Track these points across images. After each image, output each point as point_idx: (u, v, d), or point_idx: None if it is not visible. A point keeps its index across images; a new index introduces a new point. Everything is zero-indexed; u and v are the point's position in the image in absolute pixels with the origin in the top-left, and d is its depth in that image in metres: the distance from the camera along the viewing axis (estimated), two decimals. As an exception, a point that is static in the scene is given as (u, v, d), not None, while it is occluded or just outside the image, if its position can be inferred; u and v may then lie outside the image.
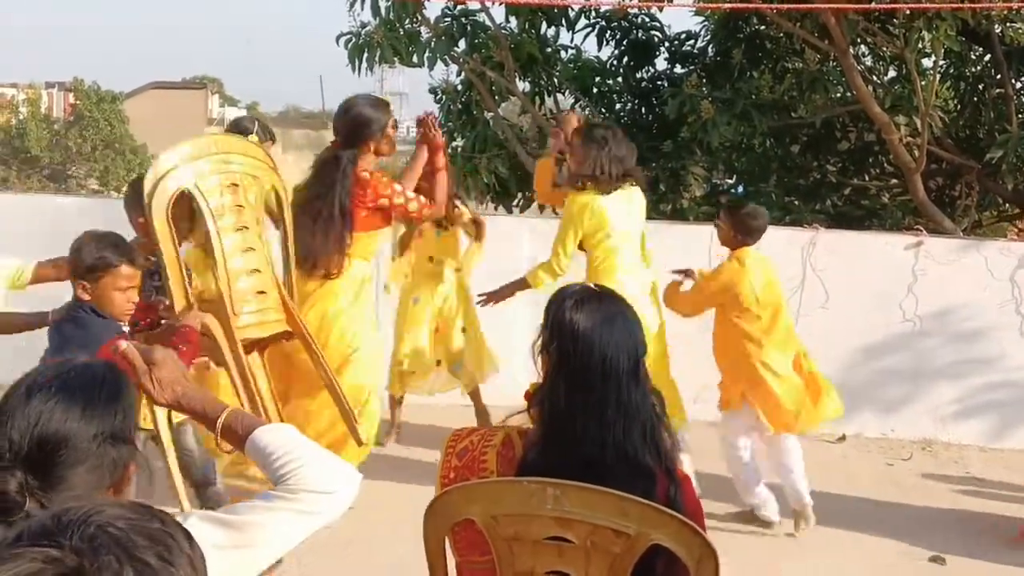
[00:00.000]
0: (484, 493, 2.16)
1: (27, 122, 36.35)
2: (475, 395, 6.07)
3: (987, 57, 9.95)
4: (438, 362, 5.93)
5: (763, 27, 9.71)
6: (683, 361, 5.39)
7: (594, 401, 2.17)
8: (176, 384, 2.02)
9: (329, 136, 5.12)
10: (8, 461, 1.65)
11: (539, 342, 2.28)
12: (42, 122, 37.11)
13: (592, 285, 2.40)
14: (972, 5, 7.46)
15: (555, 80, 9.75)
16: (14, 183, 32.37)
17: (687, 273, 5.35)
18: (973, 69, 10.39)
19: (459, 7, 9.03)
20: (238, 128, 5.23)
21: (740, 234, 5.08)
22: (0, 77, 43.76)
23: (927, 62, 8.88)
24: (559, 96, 10.06)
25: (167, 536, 1.15)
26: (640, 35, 9.95)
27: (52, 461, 1.68)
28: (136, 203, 4.06)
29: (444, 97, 9.94)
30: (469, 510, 2.15)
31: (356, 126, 4.79)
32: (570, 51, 9.90)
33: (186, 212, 3.70)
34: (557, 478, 2.09)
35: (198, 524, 1.79)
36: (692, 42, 10.18)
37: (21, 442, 1.67)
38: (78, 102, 37.15)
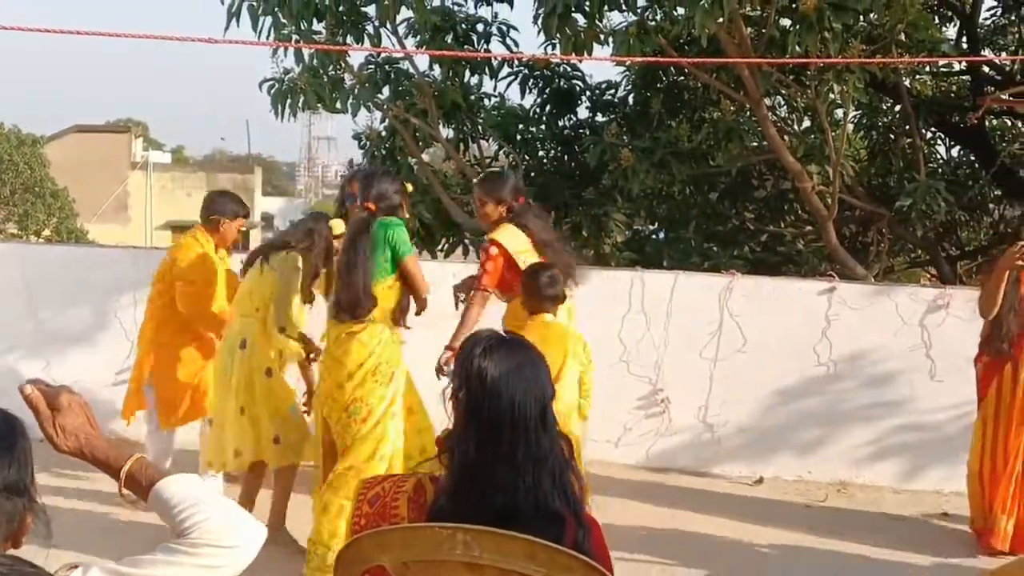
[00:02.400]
0: (395, 539, 2.17)
1: (-57, 165, 35.49)
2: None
3: (896, 108, 10.29)
4: None
5: (681, 78, 9.94)
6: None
7: (504, 449, 2.20)
8: (79, 431, 1.97)
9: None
10: None
11: (450, 388, 2.31)
12: (-41, 165, 36.26)
13: (503, 331, 2.44)
14: (880, 60, 7.74)
15: (479, 127, 9.84)
16: (-72, 227, 31.51)
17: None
18: (883, 119, 10.75)
19: (383, 55, 9.10)
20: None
21: (536, 300, 4.84)
22: (-86, 119, 42.61)
23: (839, 112, 9.16)
24: (483, 143, 10.16)
25: (46, 574, 1.17)
26: (562, 84, 10.11)
27: None
28: None
29: (368, 143, 9.97)
30: (380, 557, 2.15)
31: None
32: (494, 99, 10.01)
33: None
34: (469, 524, 2.11)
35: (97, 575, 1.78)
36: (613, 91, 10.37)
37: None
38: (-3, 145, 36.38)
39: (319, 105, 8.84)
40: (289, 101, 8.65)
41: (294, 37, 8.37)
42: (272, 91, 8.70)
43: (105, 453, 1.98)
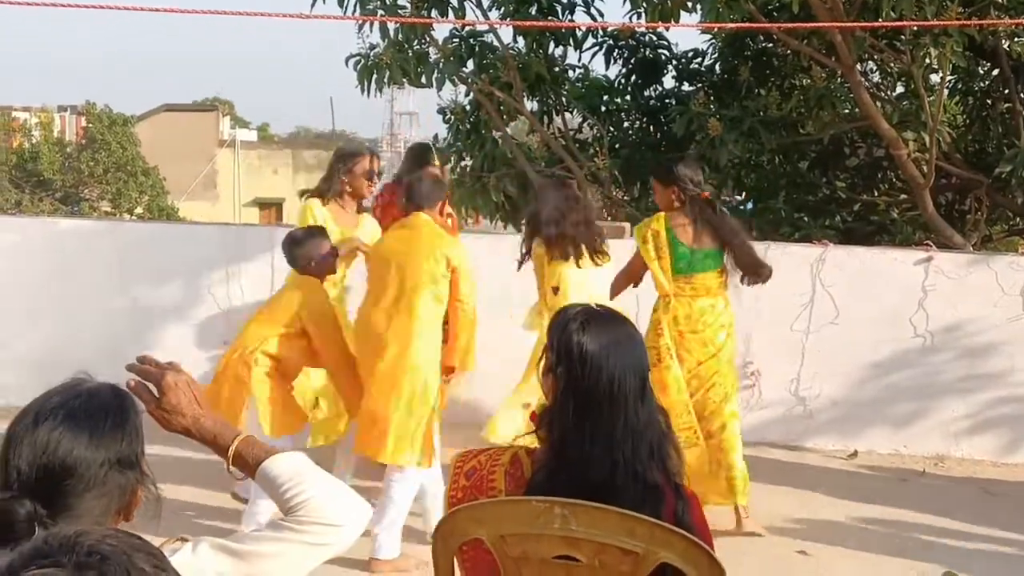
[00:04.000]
0: (492, 513, 2.17)
1: (40, 145, 36.57)
2: None
3: (995, 72, 9.95)
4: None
5: (770, 45, 9.73)
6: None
7: (603, 423, 2.18)
8: (187, 410, 1.99)
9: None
10: (16, 490, 1.67)
11: (543, 364, 2.29)
12: (54, 145, 37.34)
13: (594, 305, 2.40)
14: (978, 22, 7.47)
15: (563, 99, 9.79)
16: (27, 206, 32.54)
17: None
18: (981, 84, 10.39)
19: (467, 28, 9.08)
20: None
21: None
22: (13, 101, 44.02)
23: (935, 78, 8.89)
24: (567, 115, 10.10)
25: (152, 549, 1.19)
26: (648, 53, 9.98)
27: (59, 489, 1.69)
28: None
29: (453, 117, 9.97)
30: (477, 530, 2.16)
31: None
32: (578, 70, 9.95)
33: None
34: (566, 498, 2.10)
35: (206, 551, 1.80)
36: (699, 60, 10.20)
37: (29, 471, 1.69)
38: (90, 125, 37.34)
39: (404, 79, 8.87)
40: (375, 76, 8.70)
41: (379, 12, 8.40)
42: (358, 67, 8.75)
43: (212, 432, 2.00)
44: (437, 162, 5.59)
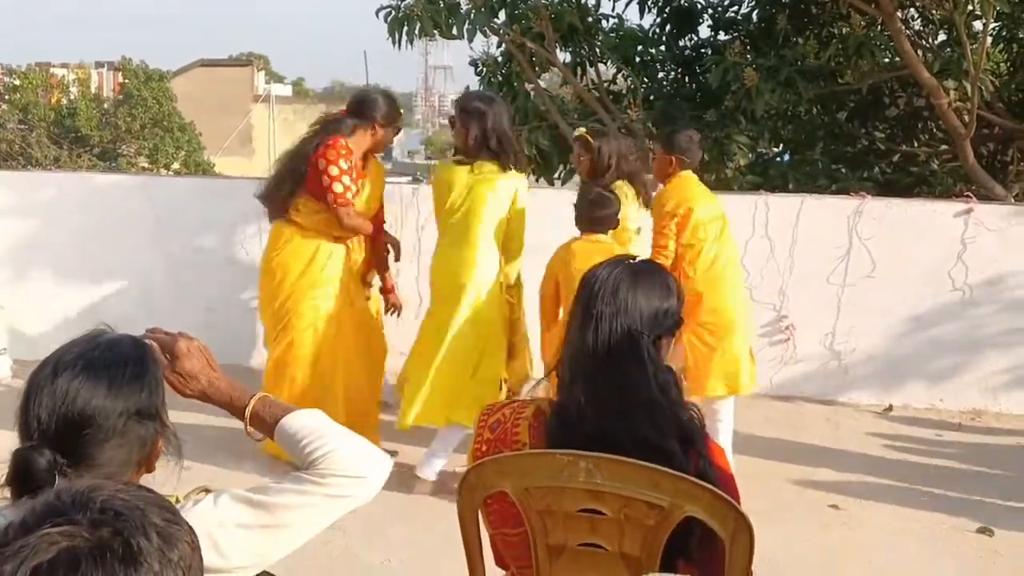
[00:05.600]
0: (516, 465, 2.16)
1: (77, 102, 36.80)
2: None
3: (1040, 18, 9.70)
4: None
5: (808, -8, 9.54)
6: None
7: (592, 378, 2.17)
8: (200, 374, 2.01)
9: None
10: (36, 440, 1.68)
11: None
12: (92, 102, 37.54)
13: (631, 259, 2.35)
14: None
15: (596, 50, 9.65)
16: (65, 162, 32.83)
17: None
18: (1026, 31, 10.14)
19: (498, -22, 8.96)
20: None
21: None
22: (51, 57, 44.31)
23: (977, 25, 8.67)
24: (601, 66, 9.97)
25: (165, 502, 1.19)
26: (683, 2, 9.81)
27: (79, 439, 1.70)
28: None
29: (485, 69, 9.88)
30: (502, 483, 2.15)
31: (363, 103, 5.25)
32: (611, 20, 9.79)
33: None
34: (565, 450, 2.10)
35: (228, 503, 1.81)
36: (735, 8, 10.01)
37: (48, 421, 1.69)
38: (126, 81, 37.50)
39: (435, 31, 8.78)
40: (406, 28, 8.62)
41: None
42: (388, 19, 8.68)
43: (228, 394, 2.02)
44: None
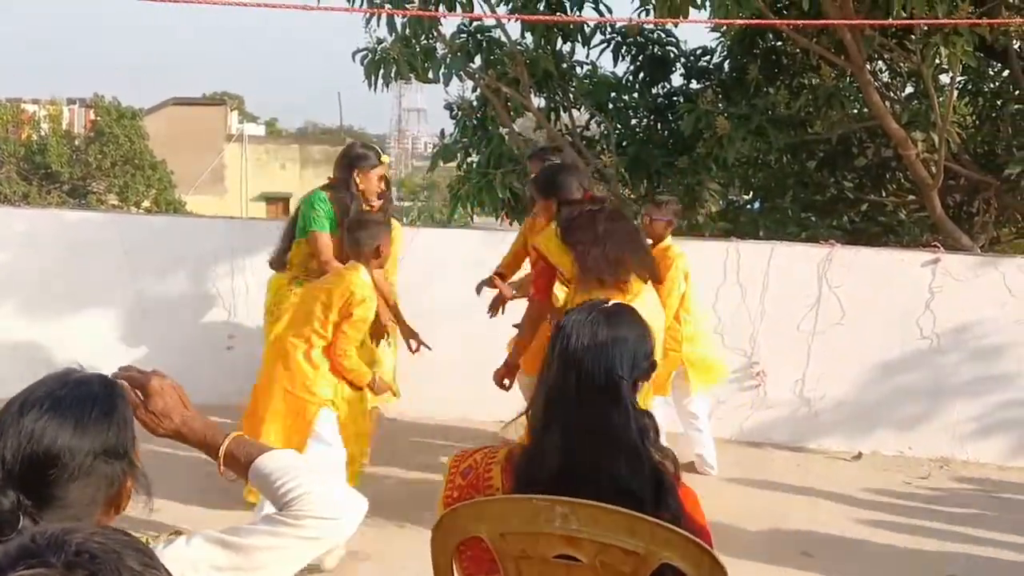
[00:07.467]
0: (492, 510, 2.15)
1: (48, 138, 36.57)
2: None
3: (1005, 72, 9.90)
4: None
5: (779, 43, 9.70)
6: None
7: (562, 417, 2.18)
8: (174, 413, 1.98)
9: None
10: (1, 481, 1.65)
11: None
12: (63, 138, 37.29)
13: (607, 302, 2.36)
14: (989, 21, 7.42)
15: (571, 96, 9.76)
16: (34, 198, 32.55)
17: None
18: (991, 85, 10.35)
19: (474, 23, 9.05)
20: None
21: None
22: (22, 93, 44.12)
23: (944, 78, 8.84)
24: (575, 112, 10.06)
25: (141, 546, 1.17)
26: (656, 50, 9.95)
27: (44, 479, 1.67)
28: None
29: (460, 113, 9.95)
30: (477, 528, 2.14)
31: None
32: (586, 67, 9.91)
33: None
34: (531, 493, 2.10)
35: (201, 544, 1.78)
36: (708, 58, 10.18)
37: (13, 461, 1.66)
38: (98, 118, 37.32)
39: (411, 75, 8.86)
40: (382, 71, 8.68)
41: (387, 6, 8.37)
42: (365, 61, 8.74)
43: (202, 433, 1.99)
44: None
